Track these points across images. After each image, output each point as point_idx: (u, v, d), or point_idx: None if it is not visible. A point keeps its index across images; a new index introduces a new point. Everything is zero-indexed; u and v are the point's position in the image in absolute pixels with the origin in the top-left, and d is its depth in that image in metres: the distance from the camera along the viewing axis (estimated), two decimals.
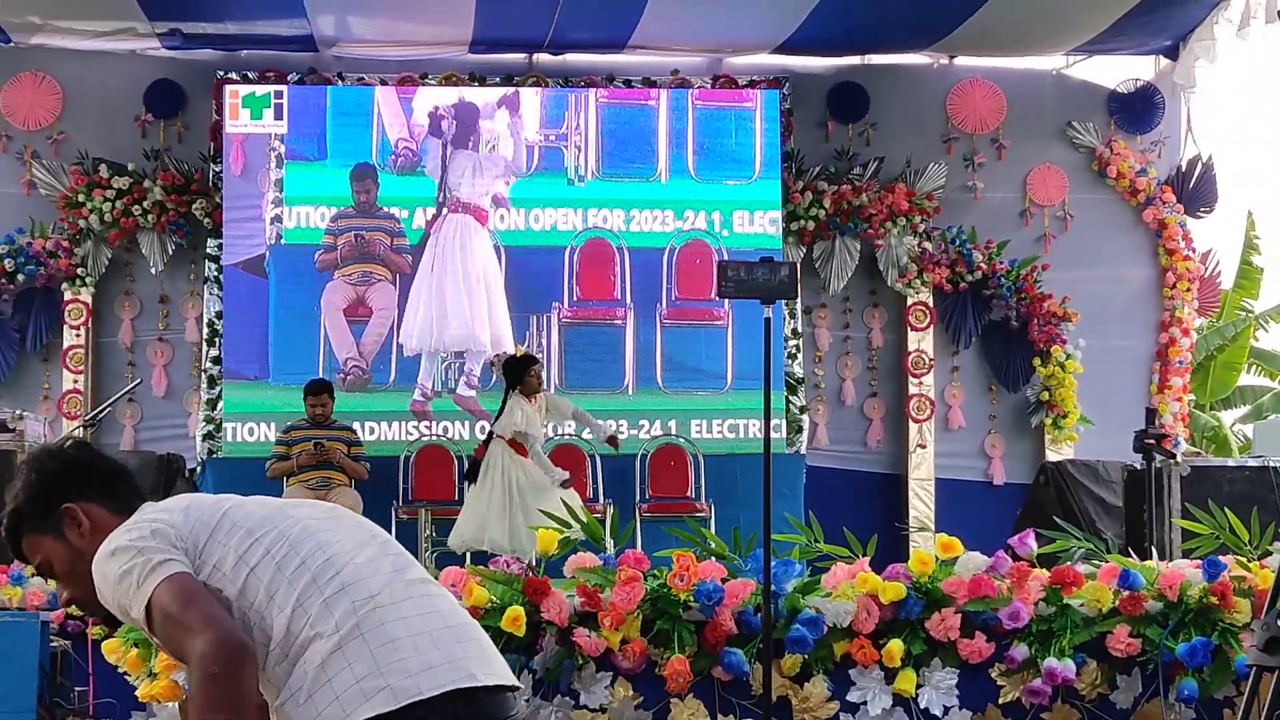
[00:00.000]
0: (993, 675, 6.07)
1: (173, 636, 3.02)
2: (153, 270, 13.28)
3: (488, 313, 13.31)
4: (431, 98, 13.45)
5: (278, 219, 13.25)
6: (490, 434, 11.42)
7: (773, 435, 6.71)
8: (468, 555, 10.96)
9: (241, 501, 3.21)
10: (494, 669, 3.10)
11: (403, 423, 13.15)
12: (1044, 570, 6.24)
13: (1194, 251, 14.13)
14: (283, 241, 13.25)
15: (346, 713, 2.95)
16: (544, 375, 11.80)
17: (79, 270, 13.11)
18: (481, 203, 13.44)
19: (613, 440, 11.80)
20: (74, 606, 3.37)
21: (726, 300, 12.86)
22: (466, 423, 13.16)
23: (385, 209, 13.40)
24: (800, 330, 13.58)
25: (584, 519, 6.75)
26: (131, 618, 3.09)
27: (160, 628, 3.03)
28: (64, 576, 3.24)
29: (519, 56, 13.81)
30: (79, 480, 3.24)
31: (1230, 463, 11.67)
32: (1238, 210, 19.81)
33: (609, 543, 6.86)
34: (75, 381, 13.04)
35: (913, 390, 13.68)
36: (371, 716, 2.94)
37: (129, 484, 3.32)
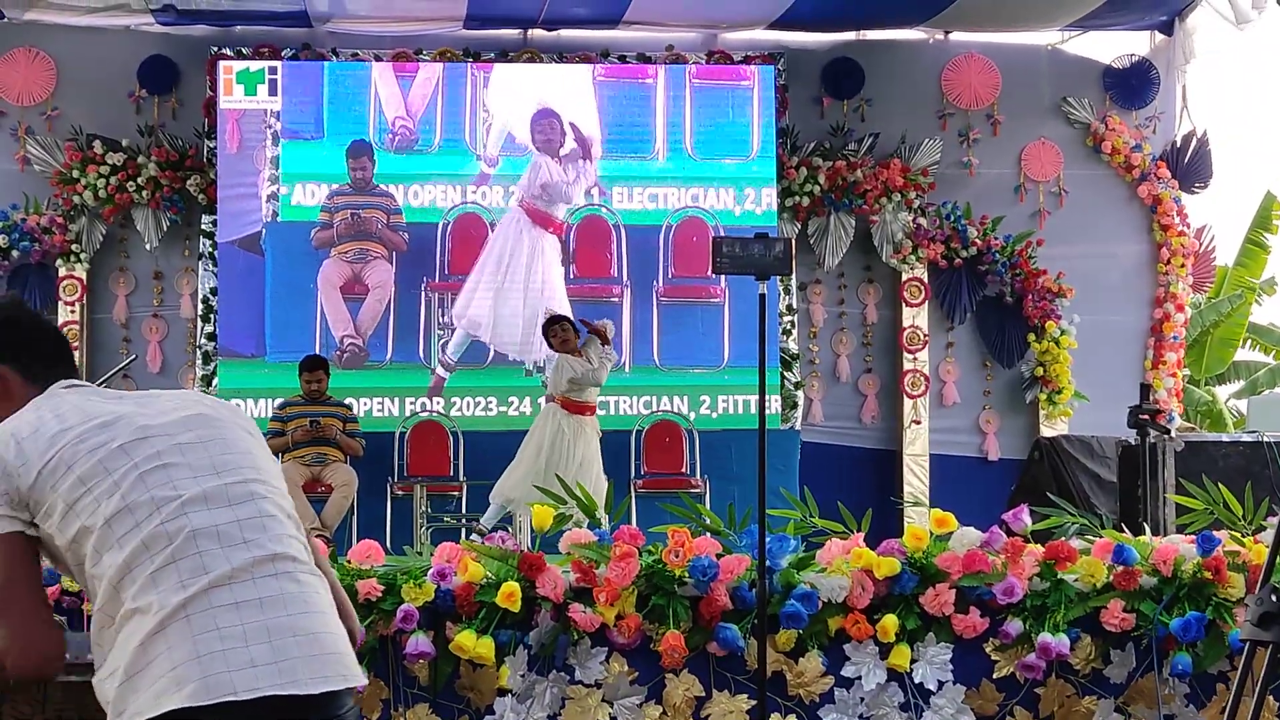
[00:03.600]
0: (987, 650, 6.08)
1: None
2: (147, 246, 13.27)
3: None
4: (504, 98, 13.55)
5: (274, 196, 13.24)
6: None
7: (768, 411, 6.71)
8: (463, 531, 11.00)
9: (81, 434, 2.93)
10: (327, 670, 2.87)
11: (399, 399, 13.16)
12: (1038, 545, 6.24)
13: (1188, 227, 14.14)
14: (279, 219, 13.24)
15: (158, 700, 2.74)
16: (567, 334, 11.58)
17: (73, 246, 13.09)
18: (555, 212, 13.52)
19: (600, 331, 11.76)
20: None
21: (723, 278, 12.89)
22: (473, 399, 13.20)
23: (382, 186, 13.39)
24: (795, 306, 13.58)
25: (597, 503, 6.77)
26: None
27: None
28: None
29: (513, 32, 13.80)
30: (2, 341, 3.12)
31: (1225, 438, 11.68)
32: (1248, 186, 19.75)
33: (604, 518, 6.87)
34: None
35: (907, 366, 13.69)
36: (180, 708, 2.74)
37: (49, 352, 3.17)
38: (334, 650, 2.93)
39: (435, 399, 13.21)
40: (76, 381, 3.16)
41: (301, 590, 2.94)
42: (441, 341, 13.36)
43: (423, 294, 13.37)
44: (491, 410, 13.24)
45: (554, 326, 11.63)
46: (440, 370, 13.30)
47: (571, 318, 11.82)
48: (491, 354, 13.31)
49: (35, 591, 2.93)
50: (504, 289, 13.39)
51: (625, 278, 13.55)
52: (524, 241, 13.48)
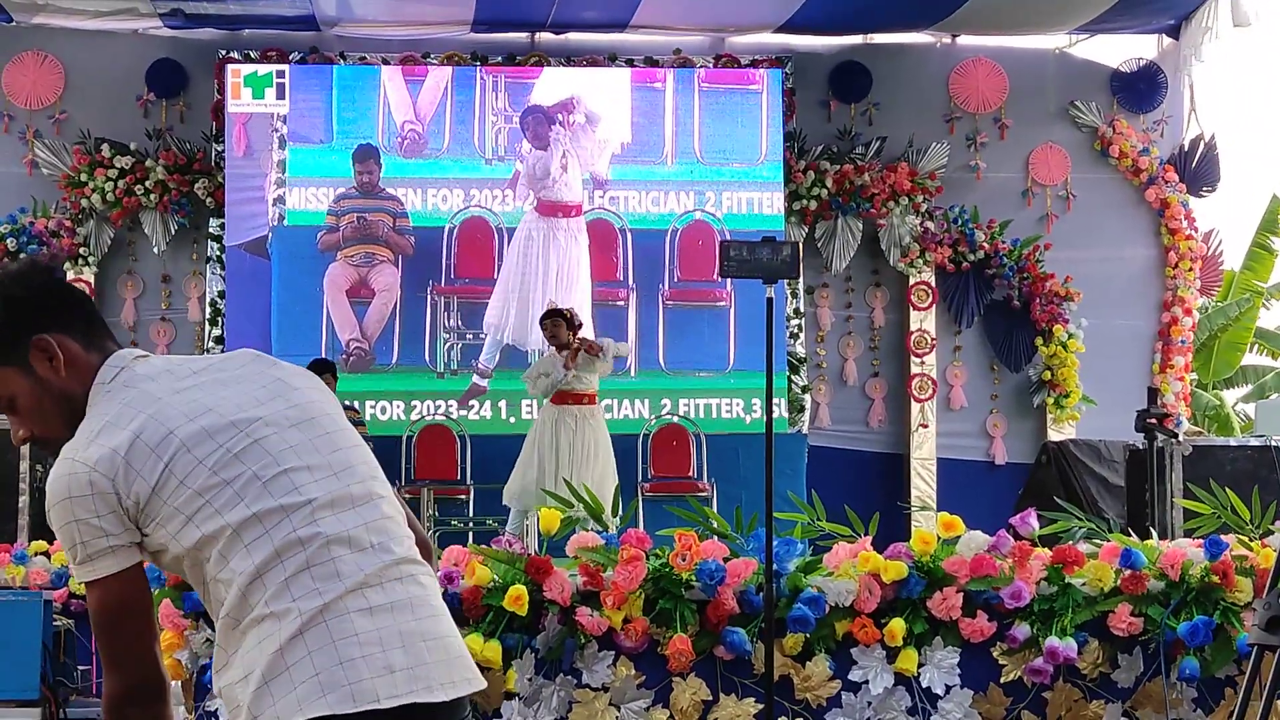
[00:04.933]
0: (994, 654, 6.07)
1: (98, 641, 2.88)
2: (155, 250, 13.28)
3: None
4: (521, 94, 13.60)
5: (280, 200, 13.26)
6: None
7: (774, 415, 6.71)
8: (470, 535, 11.02)
9: (186, 442, 2.82)
10: (455, 675, 2.87)
11: (405, 402, 13.17)
12: (1046, 550, 6.24)
13: (1196, 231, 14.13)
14: (285, 223, 13.27)
15: (300, 705, 2.73)
16: (557, 328, 11.45)
17: (81, 250, 13.11)
18: (567, 197, 13.51)
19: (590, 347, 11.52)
20: (31, 443, 3.05)
21: (729, 281, 12.90)
22: (505, 401, 13.25)
23: (388, 190, 13.41)
24: (802, 310, 13.58)
25: (600, 502, 6.78)
26: None
27: (91, 620, 2.88)
28: (27, 412, 2.95)
29: (521, 36, 13.80)
30: (49, 310, 2.94)
31: (1232, 442, 11.68)
32: (1254, 190, 19.69)
33: (611, 522, 6.87)
34: None
35: (915, 370, 13.69)
36: (325, 715, 2.73)
37: (95, 317, 3.04)
38: (460, 654, 2.93)
39: (451, 403, 13.25)
40: (137, 351, 3.05)
41: (425, 593, 2.93)
42: (447, 346, 13.37)
43: (429, 297, 13.39)
44: (500, 413, 13.27)
45: (545, 321, 11.60)
46: (478, 379, 13.33)
47: (565, 312, 11.66)
48: (498, 357, 13.33)
49: (150, 625, 2.93)
50: (526, 293, 13.37)
51: (631, 281, 13.56)
52: (537, 241, 13.47)
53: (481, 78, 13.57)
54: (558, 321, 11.46)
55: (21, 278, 2.98)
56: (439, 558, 5.93)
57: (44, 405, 2.95)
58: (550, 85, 13.62)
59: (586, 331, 11.84)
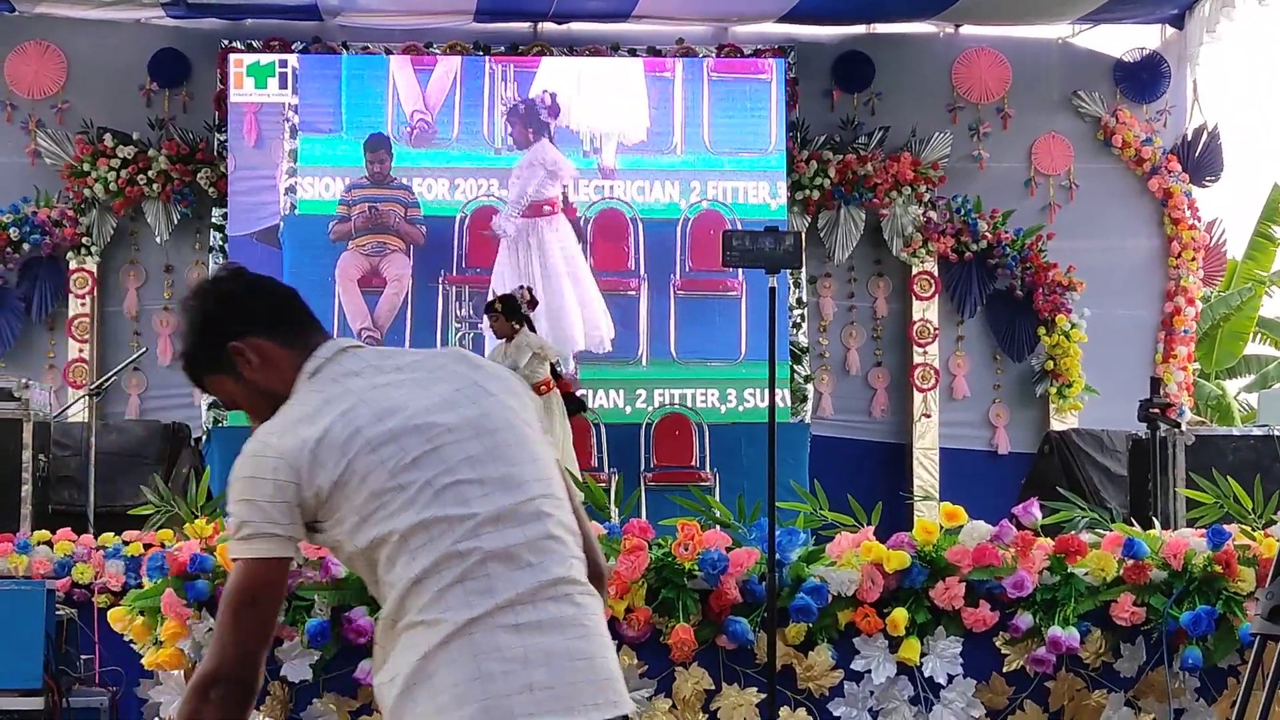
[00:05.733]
0: (997, 644, 6.07)
1: (221, 619, 2.93)
2: (157, 239, 13.29)
3: (577, 306, 13.39)
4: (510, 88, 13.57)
5: (292, 189, 13.27)
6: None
7: (777, 404, 6.70)
8: None
9: (371, 441, 2.91)
10: (600, 697, 2.87)
11: None
12: (1048, 539, 6.23)
13: (1199, 220, 14.12)
14: (297, 212, 13.27)
15: (439, 714, 2.79)
16: (495, 322, 11.51)
17: (84, 239, 13.12)
18: (552, 194, 13.51)
19: None
20: None
21: (740, 271, 12.88)
22: None
23: (399, 180, 13.41)
24: (805, 299, 13.57)
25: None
26: None
27: (224, 598, 2.95)
28: (250, 410, 3.13)
29: (524, 25, 13.79)
30: (240, 315, 3.10)
31: (1235, 431, 11.67)
32: (1255, 179, 19.66)
33: (614, 511, 6.87)
34: (80, 350, 13.06)
35: (917, 360, 13.68)
36: None
37: (295, 312, 3.19)
38: (608, 675, 2.93)
39: None
40: (347, 341, 3.15)
41: (578, 613, 2.94)
42: (459, 336, 13.36)
43: (440, 287, 13.39)
44: None
45: (487, 312, 11.63)
46: None
47: (503, 300, 11.58)
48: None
49: (271, 623, 2.98)
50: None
51: (642, 271, 13.54)
52: (520, 242, 13.45)
53: (490, 67, 13.56)
54: (495, 315, 11.49)
55: (211, 289, 3.17)
56: None
57: (257, 402, 3.11)
58: (557, 75, 13.61)
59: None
